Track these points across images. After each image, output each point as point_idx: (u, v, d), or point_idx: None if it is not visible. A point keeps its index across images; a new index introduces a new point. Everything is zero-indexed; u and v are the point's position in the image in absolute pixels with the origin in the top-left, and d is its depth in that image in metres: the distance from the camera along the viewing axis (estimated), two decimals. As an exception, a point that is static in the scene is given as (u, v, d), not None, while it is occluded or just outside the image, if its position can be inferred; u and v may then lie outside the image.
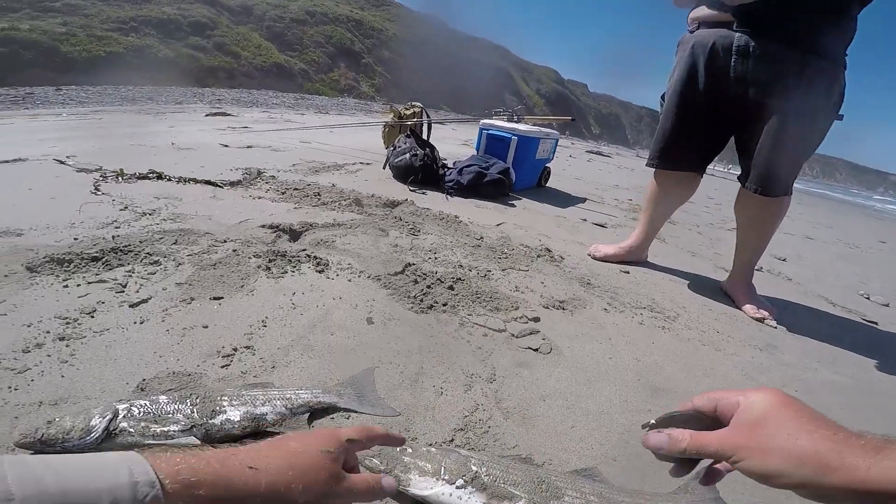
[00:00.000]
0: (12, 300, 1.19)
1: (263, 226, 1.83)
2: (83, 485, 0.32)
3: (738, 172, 2.02)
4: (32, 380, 0.95)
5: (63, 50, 13.73)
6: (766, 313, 1.92)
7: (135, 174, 2.36)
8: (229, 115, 6.49)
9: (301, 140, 4.43)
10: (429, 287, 1.59)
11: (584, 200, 3.83)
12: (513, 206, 3.14)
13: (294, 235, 1.83)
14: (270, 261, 1.55)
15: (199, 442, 0.81)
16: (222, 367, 1.06)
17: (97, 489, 0.32)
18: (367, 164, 3.73)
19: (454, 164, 3.52)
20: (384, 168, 3.39)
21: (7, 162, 2.47)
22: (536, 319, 1.53)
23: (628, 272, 2.21)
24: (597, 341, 1.47)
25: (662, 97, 2.09)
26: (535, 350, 1.36)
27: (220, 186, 2.37)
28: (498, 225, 2.54)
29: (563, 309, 1.66)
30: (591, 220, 3.14)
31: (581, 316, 1.64)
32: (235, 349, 1.12)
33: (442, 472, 0.80)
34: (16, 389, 0.92)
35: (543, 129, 3.74)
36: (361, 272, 1.62)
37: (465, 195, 3.12)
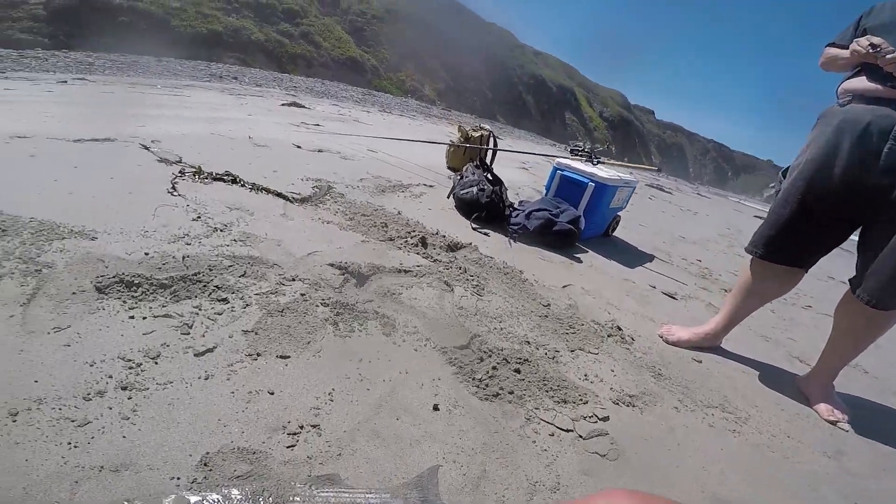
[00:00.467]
0: (77, 326, 1.16)
1: (332, 264, 1.76)
2: None
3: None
4: (93, 437, 0.90)
5: (172, 24, 14.66)
6: (840, 416, 1.78)
7: (211, 173, 2.37)
8: (303, 106, 6.61)
9: (368, 148, 4.42)
10: (494, 368, 1.47)
11: (651, 259, 3.61)
12: (579, 260, 2.97)
13: (361, 280, 1.75)
14: (338, 314, 1.48)
15: None
16: (288, 447, 0.99)
17: None
18: (431, 186, 3.65)
19: (521, 203, 3.37)
20: (448, 197, 3.30)
21: (98, 140, 2.55)
22: (606, 419, 1.41)
23: (700, 361, 2.03)
24: (665, 447, 1.37)
25: (783, 173, 1.88)
26: (603, 456, 1.26)
27: (291, 201, 2.34)
28: (564, 287, 2.39)
29: (633, 406, 1.53)
30: (660, 288, 2.93)
31: (651, 415, 1.51)
32: (301, 426, 1.05)
33: None
34: (76, 447, 0.87)
35: (623, 177, 3.47)
36: (427, 340, 1.52)
37: (529, 242, 2.97)
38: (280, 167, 2.88)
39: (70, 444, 0.88)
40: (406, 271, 1.91)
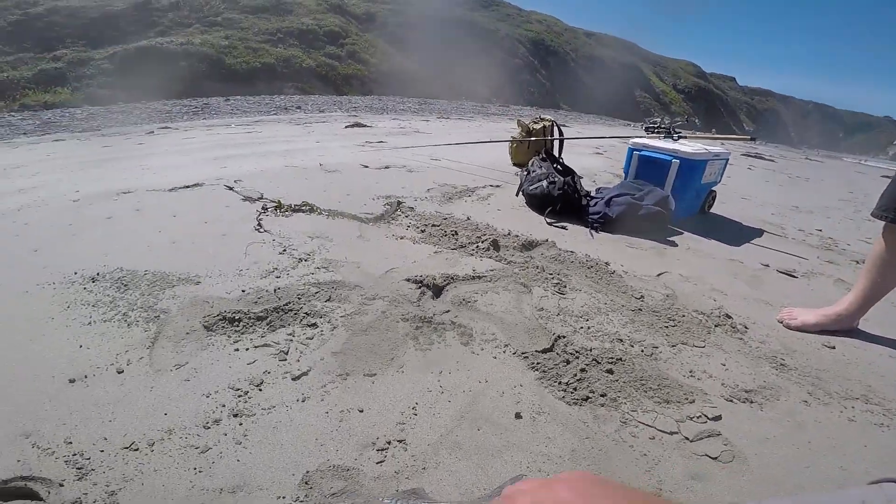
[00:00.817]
0: (193, 362, 1.30)
1: (409, 279, 1.81)
2: None
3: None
4: (213, 462, 1.01)
5: (227, 62, 15.89)
6: None
7: (290, 206, 2.55)
8: (365, 125, 6.89)
9: (431, 157, 4.49)
10: (583, 371, 1.40)
11: (760, 234, 3.23)
12: (674, 244, 2.75)
13: (437, 291, 1.78)
14: (417, 328, 1.51)
15: None
16: (377, 462, 1.03)
17: None
18: (497, 186, 3.61)
19: (598, 191, 3.20)
20: (517, 195, 3.24)
21: (189, 187, 2.86)
22: (717, 418, 1.29)
23: (833, 347, 1.77)
24: (792, 446, 1.23)
25: None
26: (714, 458, 1.15)
27: (364, 222, 2.45)
28: (659, 275, 2.23)
29: (751, 402, 1.38)
30: (774, 266, 2.62)
31: (773, 411, 1.35)
32: (389, 442, 1.09)
33: None
34: (200, 472, 0.98)
35: (711, 149, 3.14)
36: (506, 345, 1.50)
37: (612, 231, 2.81)
38: (352, 190, 3.02)
39: (195, 469, 0.99)
40: (479, 277, 1.90)
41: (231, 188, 2.85)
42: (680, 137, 3.35)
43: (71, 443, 1.01)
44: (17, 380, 1.19)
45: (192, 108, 9.24)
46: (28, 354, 1.29)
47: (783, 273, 2.56)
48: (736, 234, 3.17)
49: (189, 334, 1.41)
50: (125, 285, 1.66)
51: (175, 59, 14.67)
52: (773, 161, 8.23)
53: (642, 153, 3.14)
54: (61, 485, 0.92)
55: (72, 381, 1.19)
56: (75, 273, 1.73)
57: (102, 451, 1.00)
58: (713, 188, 3.44)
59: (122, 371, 1.25)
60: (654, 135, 3.47)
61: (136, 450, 1.01)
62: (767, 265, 2.63)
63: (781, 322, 1.92)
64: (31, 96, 11.74)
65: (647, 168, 3.11)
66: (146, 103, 10.05)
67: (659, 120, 3.61)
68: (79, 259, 1.84)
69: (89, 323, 1.44)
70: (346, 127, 6.62)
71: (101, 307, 1.53)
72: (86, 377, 1.21)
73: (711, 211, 3.56)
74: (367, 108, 11.51)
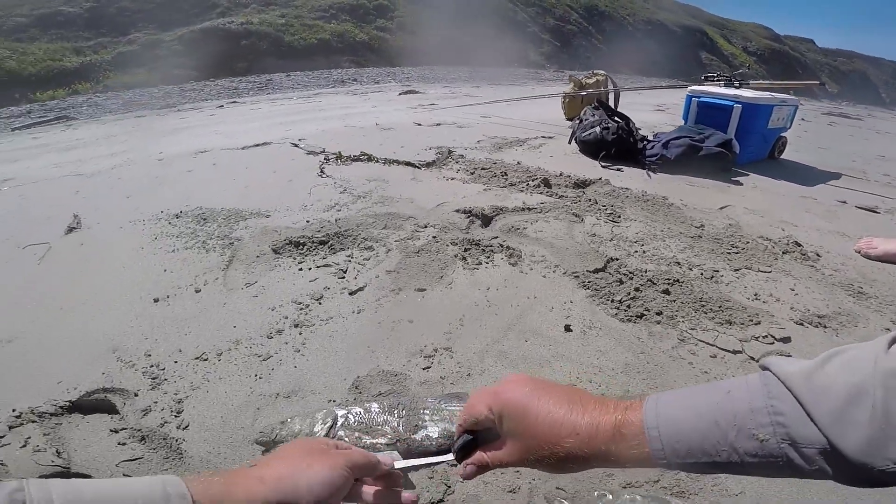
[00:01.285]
0: (262, 281, 1.42)
1: (458, 210, 1.84)
2: (119, 493, 0.36)
3: None
4: (273, 369, 1.08)
5: (286, 39, 16.37)
6: None
7: (350, 156, 2.67)
8: (418, 92, 6.91)
9: (481, 115, 4.44)
10: (637, 290, 1.37)
11: (838, 177, 2.93)
12: (739, 183, 2.57)
13: (486, 221, 1.80)
14: (466, 249, 1.54)
15: (400, 458, 0.80)
16: (424, 368, 1.08)
17: (133, 497, 0.36)
18: (550, 137, 3.51)
19: (655, 135, 3.04)
20: (570, 143, 3.14)
21: (259, 145, 3.06)
22: (786, 340, 1.21)
23: None
24: None
25: None
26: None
27: (418, 167, 2.51)
28: (722, 208, 2.10)
29: (825, 327, 1.28)
30: (852, 203, 2.38)
31: (850, 336, 1.25)
32: (436, 350, 1.14)
33: None
34: (260, 378, 1.05)
35: (777, 95, 2.94)
36: (556, 266, 1.49)
37: (671, 171, 2.66)
38: (405, 143, 3.09)
39: (256, 375, 1.06)
40: (530, 209, 1.89)
41: (296, 145, 3.01)
42: (742, 84, 3.15)
43: (150, 355, 1.12)
44: (111, 301, 1.34)
45: (256, 83, 9.71)
46: (121, 279, 1.46)
47: (863, 209, 2.31)
48: (810, 176, 2.91)
49: (259, 257, 1.54)
50: (204, 219, 1.84)
51: (237, 39, 15.34)
52: (859, 119, 7.29)
53: (701, 99, 3.00)
54: (136, 394, 1.00)
55: (156, 300, 1.34)
56: (161, 212, 1.94)
57: (176, 362, 1.10)
58: (782, 134, 3.19)
59: (200, 290, 1.38)
60: (714, 83, 3.30)
61: (206, 360, 1.10)
62: (844, 202, 2.39)
63: (859, 252, 1.75)
64: (112, 78, 12.83)
65: (707, 114, 2.97)
66: (215, 81, 10.69)
67: (718, 72, 3.42)
68: (164, 202, 2.05)
69: (173, 251, 1.62)
70: (400, 94, 6.68)
71: (184, 237, 1.70)
72: (168, 297, 1.35)
73: (783, 157, 3.28)
74: (420, 77, 11.48)
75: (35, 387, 1.02)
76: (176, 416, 0.95)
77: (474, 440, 0.54)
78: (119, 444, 0.88)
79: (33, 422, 0.92)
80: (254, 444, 0.88)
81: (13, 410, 0.94)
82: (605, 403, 0.45)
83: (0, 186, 2.46)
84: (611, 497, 0.73)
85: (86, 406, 0.98)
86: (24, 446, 0.86)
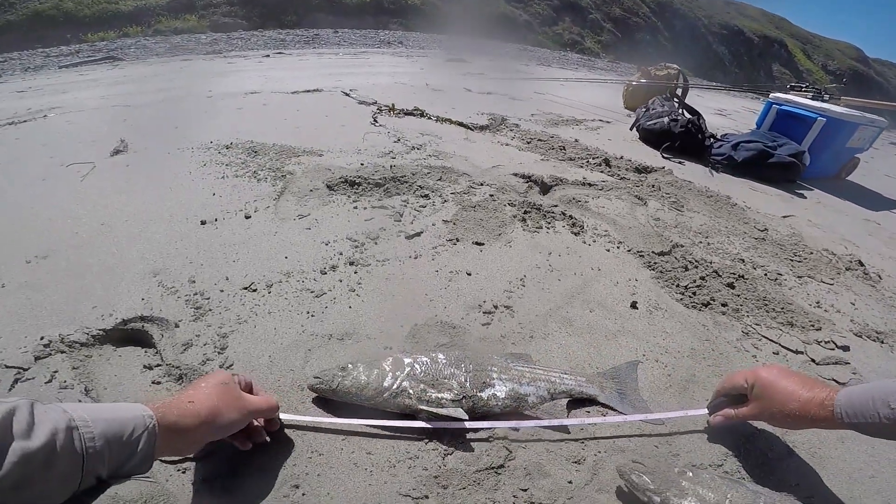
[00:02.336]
0: (315, 214, 1.37)
1: (516, 174, 1.77)
2: (119, 414, 0.52)
3: None
4: (326, 307, 1.01)
5: None
6: None
7: (403, 110, 2.60)
8: (466, 60, 6.73)
9: (535, 91, 4.29)
10: (702, 279, 1.30)
11: None
12: (802, 196, 2.45)
13: (544, 188, 1.73)
14: (525, 212, 1.48)
15: (464, 413, 0.76)
16: (483, 324, 1.03)
17: (127, 417, 0.53)
18: (608, 122, 3.38)
19: (724, 136, 2.91)
20: (631, 129, 3.01)
21: (309, 91, 3.00)
22: (845, 348, 1.17)
23: None
24: None
25: None
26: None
27: (471, 129, 2.43)
28: (785, 217, 1.99)
29: (882, 342, 1.23)
30: (919, 234, 2.24)
31: None
32: (496, 306, 1.08)
33: None
34: (312, 316, 0.98)
35: (867, 115, 2.78)
36: (620, 243, 1.42)
37: (734, 174, 2.54)
38: (456, 105, 3.00)
39: (308, 313, 0.99)
40: (590, 185, 1.81)
41: (347, 94, 2.95)
42: (831, 98, 2.97)
43: (194, 282, 1.04)
44: (155, 220, 1.27)
45: (304, 37, 9.58)
46: (166, 199, 1.39)
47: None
48: (875, 201, 2.78)
49: (312, 192, 1.50)
50: (255, 152, 1.79)
51: (289, -10, 15.11)
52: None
53: (783, 107, 2.87)
54: (177, 325, 0.91)
55: (203, 222, 1.27)
56: (211, 142, 1.89)
57: (222, 290, 1.02)
58: (858, 155, 3.02)
59: (250, 216, 1.34)
60: (801, 93, 3.12)
61: (254, 290, 1.03)
62: None
63: None
64: (163, 22, 12.82)
65: (785, 122, 2.85)
66: (263, 32, 10.59)
67: (808, 83, 3.23)
68: (213, 133, 2.00)
69: (223, 177, 1.58)
70: (447, 60, 6.53)
71: (234, 167, 1.66)
72: (216, 220, 1.29)
73: (849, 179, 3.11)
74: (468, 47, 11.21)
75: (67, 311, 0.92)
76: (220, 353, 0.86)
77: (726, 400, 0.82)
78: (153, 382, 0.80)
79: (62, 352, 0.83)
80: (304, 390, 0.79)
81: (41, 338, 0.84)
82: (822, 386, 0.72)
83: (47, 114, 2.43)
84: (691, 475, 0.68)
85: (119, 337, 0.89)
86: (50, 381, 0.77)
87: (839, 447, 0.86)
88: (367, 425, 0.76)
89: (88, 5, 13.02)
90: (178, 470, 0.67)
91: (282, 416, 0.73)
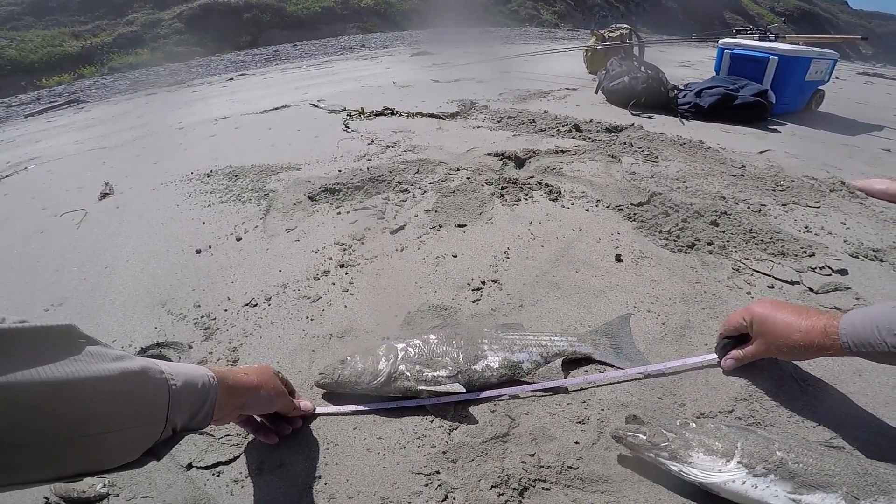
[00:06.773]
0: (302, 226, 1.41)
1: (490, 154, 1.81)
2: (188, 369, 0.55)
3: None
4: (323, 309, 1.07)
5: (289, 9, 15.87)
6: None
7: (373, 111, 2.62)
8: (430, 52, 6.72)
9: (501, 70, 4.30)
10: (685, 221, 1.33)
11: (880, 128, 2.79)
12: (776, 131, 2.47)
13: (519, 163, 1.76)
14: (503, 188, 1.52)
15: (462, 388, 0.80)
16: (473, 301, 1.06)
17: (195, 373, 0.55)
18: (574, 89, 3.40)
19: (686, 85, 2.93)
20: (596, 93, 3.03)
21: (278, 108, 3.02)
22: (843, 272, 1.16)
23: None
24: None
25: None
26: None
27: (442, 118, 2.46)
28: (761, 152, 2.02)
29: (881, 261, 1.22)
30: (897, 151, 2.27)
31: None
32: (483, 282, 1.12)
33: (737, 453, 0.64)
34: (312, 320, 1.04)
35: (815, 49, 2.81)
36: (598, 200, 1.46)
37: (705, 120, 2.57)
38: (426, 98, 3.02)
39: (307, 318, 1.04)
40: (563, 151, 1.84)
41: (316, 105, 2.97)
42: (777, 38, 2.99)
43: (199, 306, 1.11)
44: (154, 256, 1.34)
45: (263, 55, 9.53)
46: (161, 234, 1.45)
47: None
48: (850, 126, 2.77)
49: (296, 205, 1.53)
50: (235, 176, 1.83)
51: (238, 13, 14.97)
52: (896, 82, 6.84)
53: (735, 51, 2.87)
54: (190, 346, 0.98)
55: (198, 251, 1.33)
56: (191, 173, 1.93)
57: (226, 310, 1.08)
58: (820, 87, 3.04)
59: (241, 238, 1.38)
60: (747, 37, 3.14)
61: (255, 305, 1.09)
62: (889, 150, 2.27)
63: (861, 190, 1.67)
64: (116, 59, 12.67)
65: (741, 66, 2.85)
66: (221, 56, 10.51)
67: (752, 26, 3.26)
68: (192, 164, 2.04)
69: (209, 205, 1.61)
70: (412, 55, 6.52)
71: (217, 193, 1.70)
72: (210, 247, 1.35)
73: (819, 110, 3.14)
74: (430, 39, 11.14)
75: (91, 349, 1.01)
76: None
77: (730, 341, 0.83)
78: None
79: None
80: (313, 388, 0.85)
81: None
82: (819, 313, 0.72)
83: (27, 165, 2.46)
84: (694, 425, 0.69)
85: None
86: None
87: (857, 380, 0.84)
88: (381, 408, 0.81)
89: (32, 50, 12.81)
90: (214, 474, 0.72)
91: (318, 409, 0.82)
